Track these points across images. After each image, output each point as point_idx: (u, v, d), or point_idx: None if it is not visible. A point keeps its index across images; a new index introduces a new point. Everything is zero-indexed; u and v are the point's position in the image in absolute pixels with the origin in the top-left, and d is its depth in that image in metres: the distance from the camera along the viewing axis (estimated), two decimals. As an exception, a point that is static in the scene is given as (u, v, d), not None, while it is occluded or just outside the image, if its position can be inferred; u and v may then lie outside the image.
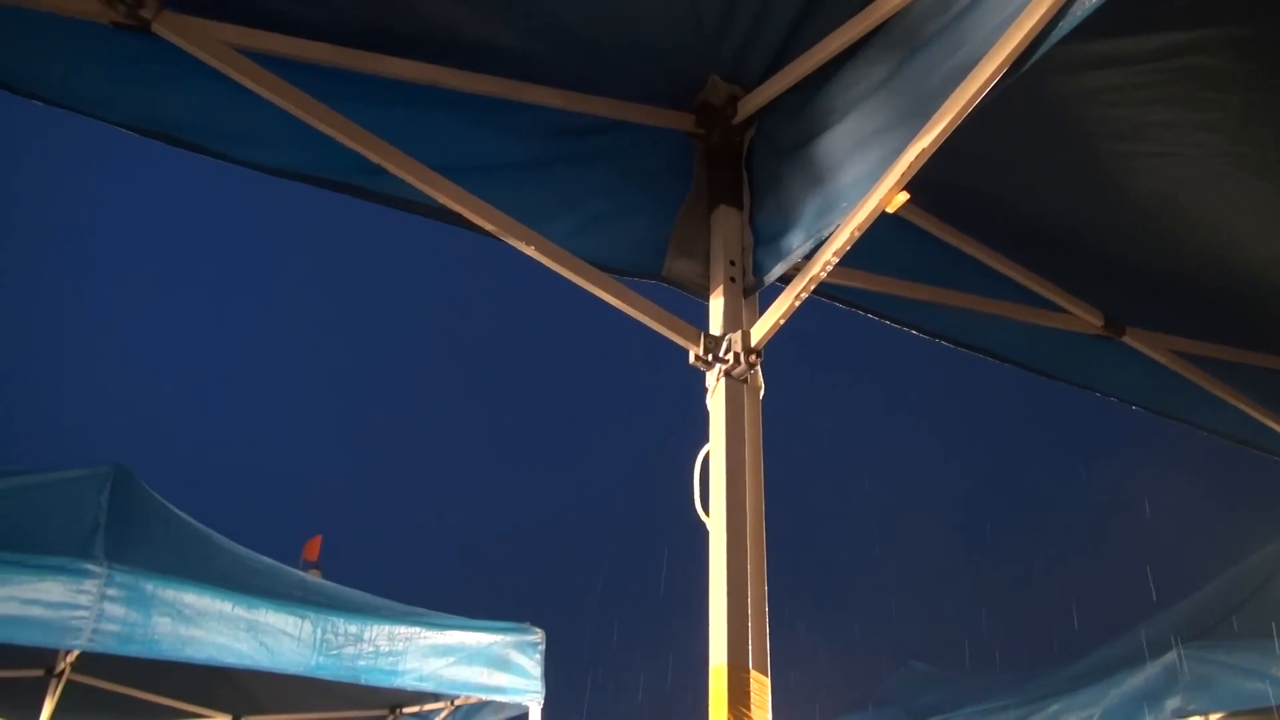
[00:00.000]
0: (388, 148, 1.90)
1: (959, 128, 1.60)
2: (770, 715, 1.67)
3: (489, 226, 1.95)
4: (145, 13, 1.77)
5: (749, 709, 1.65)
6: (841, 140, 1.94)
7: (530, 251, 1.94)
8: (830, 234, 1.83)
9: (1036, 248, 2.73)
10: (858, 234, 1.78)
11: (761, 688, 1.68)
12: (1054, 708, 4.64)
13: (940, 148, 1.63)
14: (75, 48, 1.81)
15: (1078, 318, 2.88)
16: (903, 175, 1.68)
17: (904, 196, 1.76)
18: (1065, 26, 1.45)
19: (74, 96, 1.82)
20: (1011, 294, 2.79)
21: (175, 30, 1.80)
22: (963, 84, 1.57)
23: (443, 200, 1.94)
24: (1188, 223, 2.50)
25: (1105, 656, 5.00)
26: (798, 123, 2.08)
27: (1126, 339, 2.95)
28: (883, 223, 1.80)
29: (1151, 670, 4.13)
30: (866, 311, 2.65)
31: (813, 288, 1.87)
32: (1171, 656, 4.03)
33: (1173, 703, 3.99)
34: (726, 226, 2.16)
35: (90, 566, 3.00)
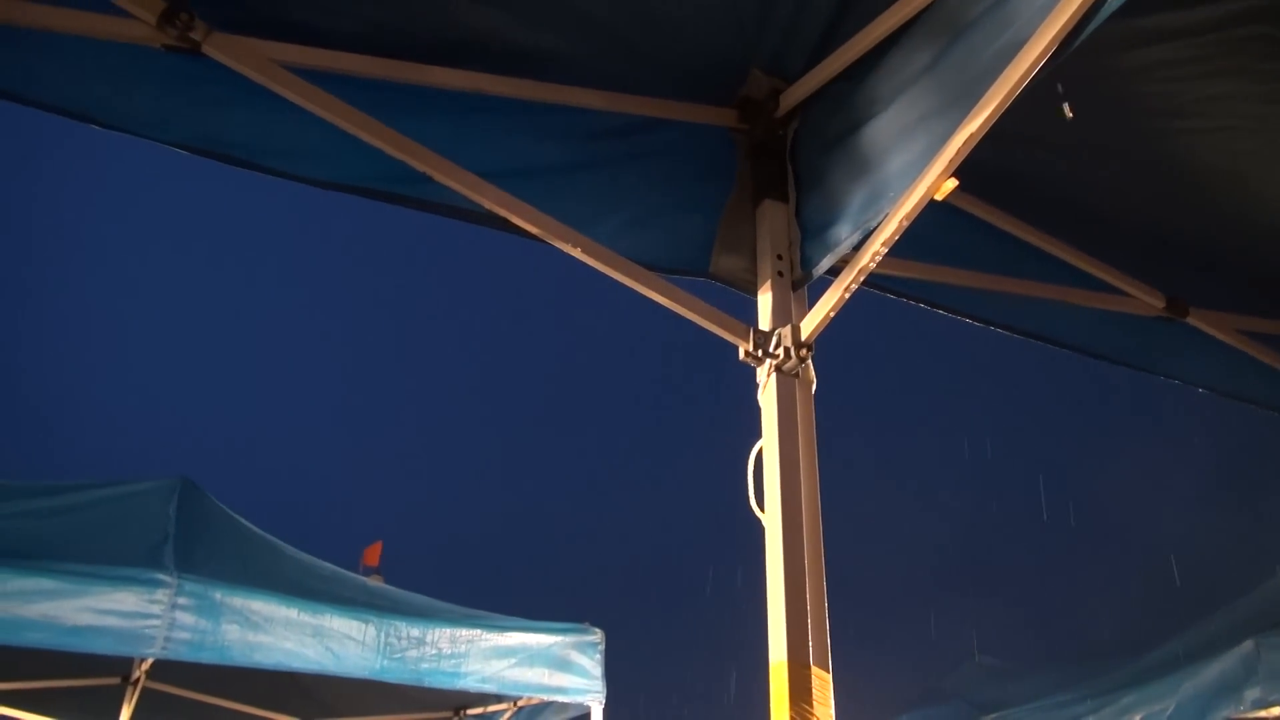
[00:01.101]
0: (433, 156, 1.92)
1: (1006, 110, 1.57)
2: (833, 712, 1.66)
3: (535, 230, 1.96)
4: (195, 35, 1.81)
5: (811, 706, 1.64)
6: (887, 129, 1.91)
7: (576, 253, 1.94)
8: (878, 224, 1.81)
9: (1091, 230, 2.66)
10: (906, 223, 1.75)
11: (823, 684, 1.67)
12: (1126, 700, 4.52)
13: (988, 131, 1.60)
14: (129, 72, 1.86)
15: (1138, 299, 2.81)
16: (950, 162, 1.65)
17: (952, 183, 1.73)
18: (1113, 3, 1.41)
19: (129, 119, 1.87)
20: (1067, 278, 2.73)
21: (225, 50, 1.84)
22: (1010, 66, 1.54)
23: (488, 205, 1.95)
24: (1251, 197, 2.42)
25: (1176, 648, 4.87)
26: (841, 113, 2.06)
27: (1190, 319, 2.87)
28: (931, 210, 1.77)
29: (1227, 661, 4.01)
30: (918, 301, 2.62)
31: (862, 279, 1.85)
32: (1249, 646, 3.90)
33: (1252, 693, 3.87)
34: (772, 221, 2.15)
35: (161, 576, 3.08)
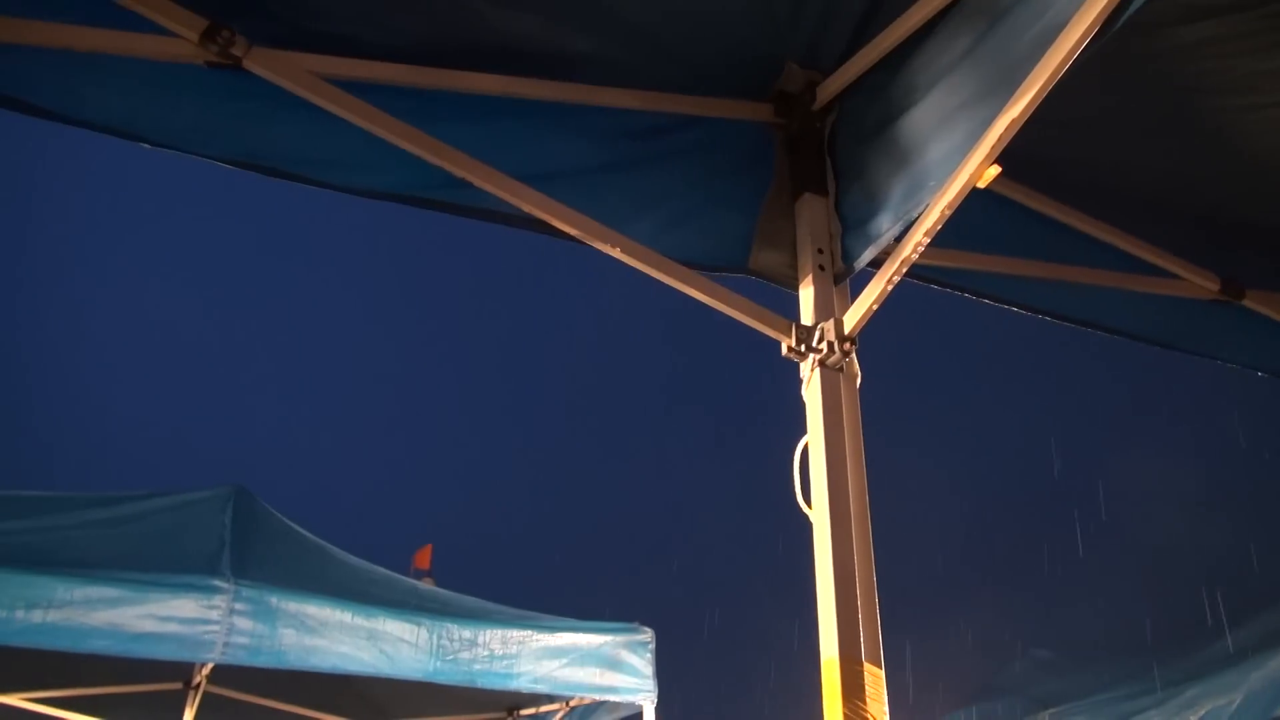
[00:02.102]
0: (470, 161, 1.94)
1: (1048, 94, 1.54)
2: (886, 708, 1.64)
3: (573, 231, 1.97)
4: (236, 51, 1.84)
5: (864, 702, 1.62)
6: (926, 117, 1.89)
7: (616, 253, 1.95)
8: (920, 214, 1.79)
9: (1141, 213, 2.61)
10: (949, 212, 1.73)
11: (876, 680, 1.65)
12: (1190, 693, 4.42)
13: (1029, 116, 1.58)
14: (174, 90, 1.91)
15: (1191, 283, 2.74)
16: (992, 148, 1.63)
17: (995, 170, 1.70)
18: (1158, -21, 1.38)
19: (175, 137, 1.91)
20: (1117, 263, 2.68)
21: (265, 65, 1.87)
22: (1050, 49, 1.51)
23: (527, 209, 1.96)
24: (1308, 174, 2.35)
25: (1241, 638, 4.74)
26: (879, 103, 2.04)
27: (1246, 302, 2.80)
28: (974, 198, 1.75)
29: (1296, 651, 3.90)
30: (962, 291, 2.58)
31: (905, 270, 1.83)
32: (1318, 634, 3.80)
33: (1324, 683, 3.76)
34: (812, 214, 2.13)
35: (219, 583, 3.15)
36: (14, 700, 4.93)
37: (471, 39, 2.04)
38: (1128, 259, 2.68)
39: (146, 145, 1.90)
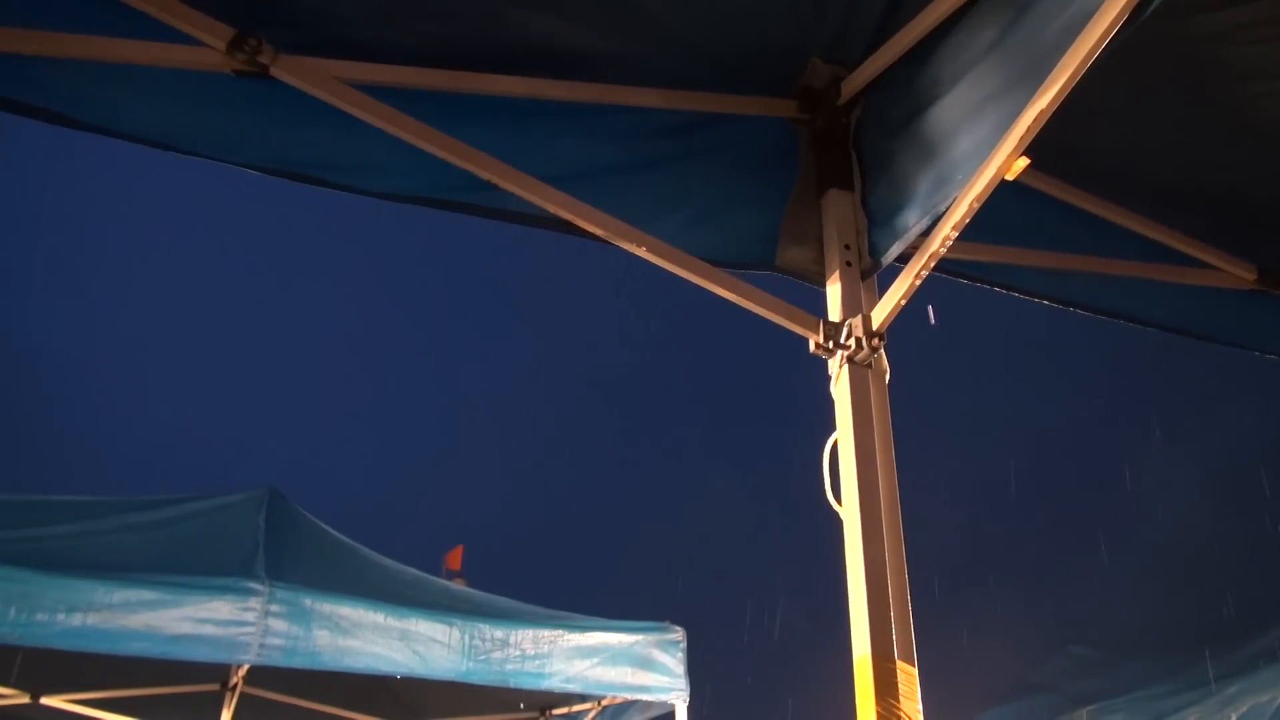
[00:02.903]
0: (495, 163, 1.94)
1: (1077, 83, 1.53)
2: (920, 706, 1.63)
3: (599, 231, 1.97)
4: (263, 58, 1.86)
5: (898, 700, 1.61)
6: (953, 110, 1.87)
7: (641, 252, 1.95)
8: (948, 208, 1.77)
9: (1174, 202, 2.57)
10: (977, 205, 1.71)
11: (909, 678, 1.64)
12: (1231, 690, 4.35)
13: (1058, 106, 1.56)
14: (203, 99, 1.93)
15: (1227, 273, 2.70)
16: (1021, 140, 1.61)
17: (1024, 162, 1.69)
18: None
19: (205, 144, 1.94)
20: (1150, 254, 2.64)
21: (292, 72, 1.89)
22: (1079, 38, 1.50)
23: (553, 210, 1.97)
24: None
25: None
26: (905, 97, 2.02)
27: (1285, 292, 2.75)
28: (1003, 191, 1.73)
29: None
30: (992, 285, 2.55)
31: (933, 265, 1.82)
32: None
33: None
34: (838, 210, 2.12)
35: (254, 585, 3.18)
36: (56, 702, 5.01)
37: (494, 42, 2.05)
38: (1161, 250, 2.64)
39: (177, 153, 1.93)
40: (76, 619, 2.89)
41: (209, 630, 3.08)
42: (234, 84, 1.91)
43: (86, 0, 1.79)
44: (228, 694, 5.24)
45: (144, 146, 1.89)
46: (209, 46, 1.85)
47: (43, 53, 1.80)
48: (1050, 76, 1.54)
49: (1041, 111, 1.56)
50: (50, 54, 1.80)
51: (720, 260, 2.13)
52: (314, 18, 1.94)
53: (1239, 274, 2.70)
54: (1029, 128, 1.59)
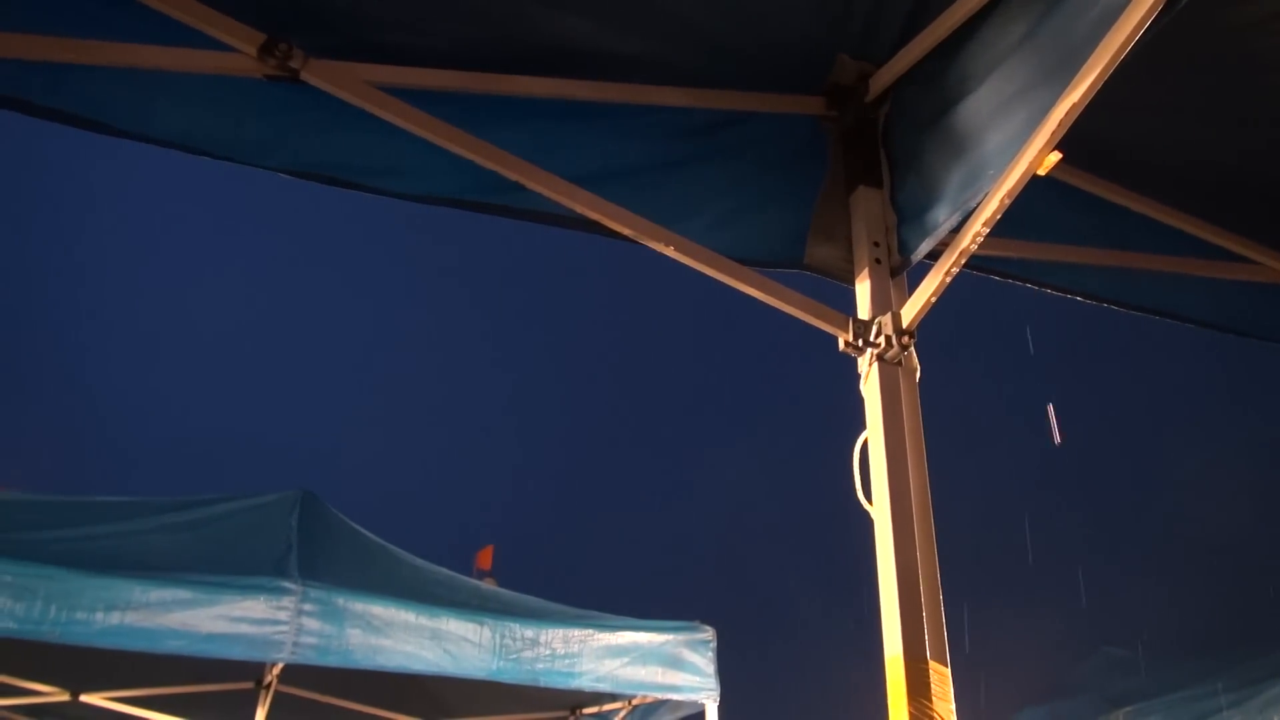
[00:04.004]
0: (523, 164, 1.95)
1: (1109, 76, 1.50)
2: (953, 707, 1.62)
3: (627, 231, 1.97)
4: (294, 63, 1.88)
5: (930, 701, 1.60)
6: (983, 105, 1.85)
7: (669, 252, 1.95)
8: (978, 204, 1.75)
9: (1211, 195, 2.52)
10: (1008, 201, 1.69)
11: (942, 679, 1.63)
12: (1272, 691, 4.28)
13: (1090, 100, 1.54)
14: (234, 104, 1.95)
15: (1266, 266, 2.65)
16: (1053, 134, 1.59)
17: (1055, 156, 1.66)
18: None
19: (237, 149, 1.96)
20: (1186, 248, 2.60)
21: (322, 76, 1.91)
22: (1112, 30, 1.47)
23: (580, 210, 1.97)
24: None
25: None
26: (934, 92, 2.01)
27: (1326, 286, 2.69)
28: (1034, 186, 1.71)
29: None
30: (1024, 281, 2.53)
31: (963, 261, 1.80)
32: None
33: None
34: (867, 207, 2.11)
35: (287, 584, 3.22)
36: (95, 699, 5.10)
37: (522, 43, 2.06)
38: (1197, 244, 2.59)
39: (212, 158, 1.95)
40: (115, 617, 2.93)
41: (244, 629, 3.11)
42: (265, 89, 1.93)
43: (120, 8, 1.82)
44: (263, 692, 5.29)
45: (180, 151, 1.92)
46: (240, 52, 1.87)
47: (78, 61, 1.83)
48: (1083, 70, 1.52)
49: (1074, 105, 1.54)
50: (85, 62, 1.83)
51: (749, 259, 2.13)
52: (343, 22, 1.95)
53: (1278, 268, 2.65)
54: (1061, 122, 1.57)
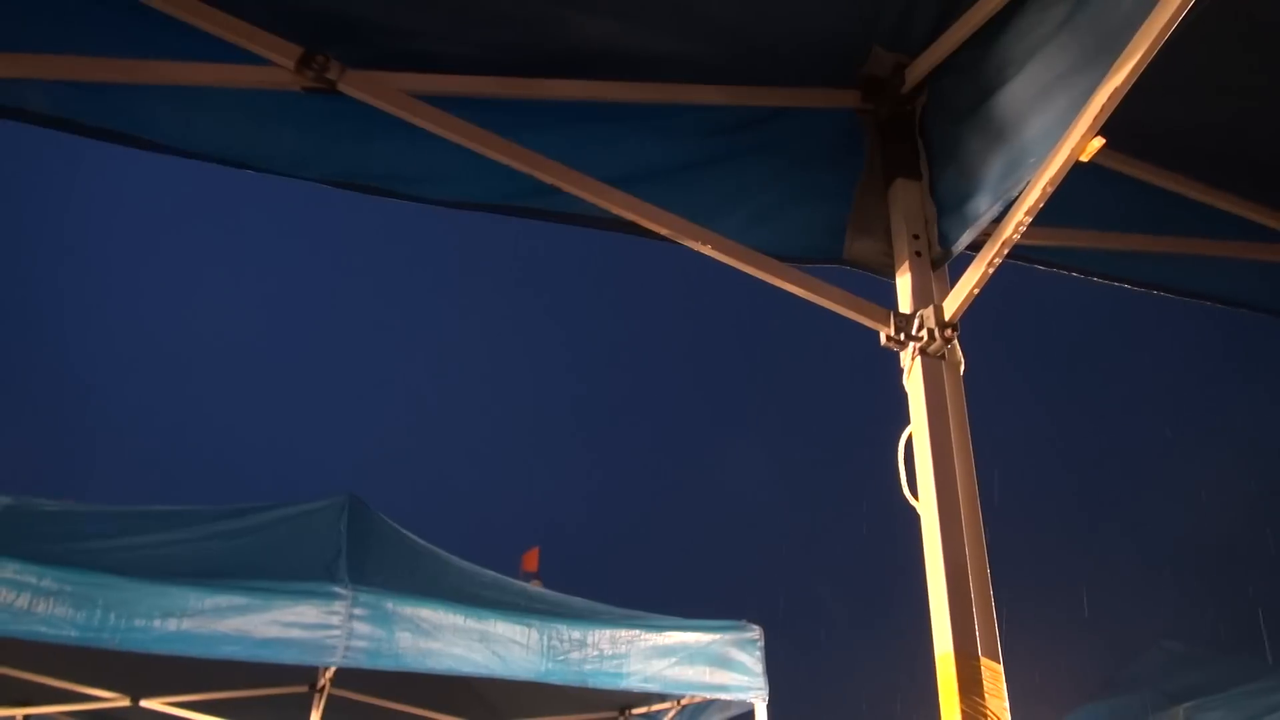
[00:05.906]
0: (559, 167, 1.96)
1: (1152, 59, 1.47)
2: (1006, 704, 1.59)
3: (664, 231, 1.97)
4: (331, 75, 1.91)
5: (983, 698, 1.58)
6: (1022, 92, 1.82)
7: (707, 250, 1.94)
8: (1020, 193, 1.73)
9: (1259, 176, 2.46)
10: (1050, 189, 1.66)
11: (994, 675, 1.60)
12: (1338, 684, 4.15)
13: (1133, 83, 1.51)
14: (273, 117, 1.99)
15: (1320, 249, 2.58)
16: (1095, 119, 1.56)
17: (1099, 142, 1.63)
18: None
19: (276, 161, 2.00)
20: (1235, 231, 2.53)
21: (359, 87, 1.93)
22: (1155, 10, 1.44)
23: (616, 210, 1.98)
24: None
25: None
26: (972, 81, 1.98)
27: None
28: (1077, 173, 1.68)
29: None
30: (1069, 270, 2.48)
31: (1006, 252, 1.77)
32: None
33: None
34: (906, 200, 2.09)
35: (338, 589, 3.27)
36: (154, 704, 5.21)
37: (555, 47, 2.07)
38: (1246, 226, 2.53)
39: (251, 171, 1.99)
40: (172, 624, 3.00)
41: (296, 634, 3.16)
42: (303, 101, 1.96)
43: (160, 27, 1.86)
44: (316, 695, 5.37)
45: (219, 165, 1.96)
46: (278, 66, 1.90)
47: (126, 80, 1.87)
48: (1125, 52, 1.49)
49: (1116, 89, 1.51)
50: (132, 81, 1.88)
51: (787, 255, 2.11)
52: (378, 33, 1.98)
53: (1334, 249, 2.58)
54: (1104, 107, 1.54)
